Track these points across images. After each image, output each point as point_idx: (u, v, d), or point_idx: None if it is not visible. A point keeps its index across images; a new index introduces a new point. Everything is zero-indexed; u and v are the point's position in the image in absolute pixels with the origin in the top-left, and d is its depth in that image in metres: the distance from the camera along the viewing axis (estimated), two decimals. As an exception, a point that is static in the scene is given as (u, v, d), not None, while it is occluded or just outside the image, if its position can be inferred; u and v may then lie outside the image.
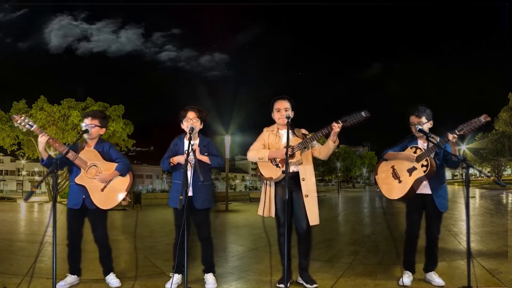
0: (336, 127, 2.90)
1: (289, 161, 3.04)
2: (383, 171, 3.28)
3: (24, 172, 56.24)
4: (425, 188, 3.10)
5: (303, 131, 3.20)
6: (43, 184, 31.48)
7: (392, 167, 3.21)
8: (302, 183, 3.08)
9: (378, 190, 3.31)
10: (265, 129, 3.27)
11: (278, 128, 3.21)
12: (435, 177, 3.06)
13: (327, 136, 3.01)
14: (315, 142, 3.12)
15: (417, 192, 3.09)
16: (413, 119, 3.12)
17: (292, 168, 3.09)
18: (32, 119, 21.19)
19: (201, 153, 3.13)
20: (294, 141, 3.08)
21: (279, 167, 3.05)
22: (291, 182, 3.08)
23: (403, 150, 3.17)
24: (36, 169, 52.66)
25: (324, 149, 3.13)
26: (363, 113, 2.87)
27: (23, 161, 42.57)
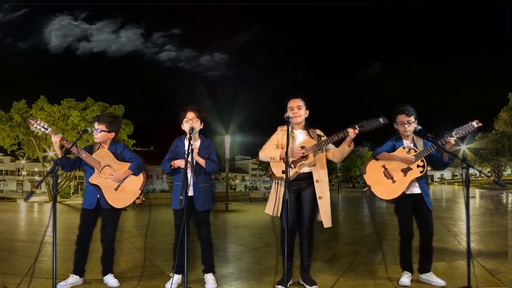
0: (352, 133, 2.89)
1: (302, 162, 3.05)
2: (374, 171, 3.21)
3: (24, 172, 56.24)
4: (414, 188, 3.09)
5: (318, 132, 3.17)
6: (43, 184, 31.51)
7: (383, 166, 3.16)
8: (316, 185, 3.06)
9: (365, 189, 3.27)
10: (279, 128, 3.24)
11: (292, 128, 3.18)
12: (424, 177, 3.07)
13: (342, 140, 2.99)
14: (330, 144, 3.10)
15: (407, 192, 3.07)
16: (402, 117, 3.10)
17: (305, 169, 3.08)
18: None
19: (202, 154, 3.13)
20: (308, 142, 3.07)
21: (292, 167, 3.03)
22: (302, 182, 3.08)
23: (392, 150, 3.15)
24: (36, 169, 52.62)
25: (338, 153, 3.10)
26: (381, 120, 2.85)
27: (23, 161, 42.57)
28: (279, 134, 3.20)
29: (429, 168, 3.16)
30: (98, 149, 3.20)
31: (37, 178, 53.83)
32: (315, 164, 3.07)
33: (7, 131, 21.73)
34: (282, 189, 3.10)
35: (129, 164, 3.18)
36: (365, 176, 3.25)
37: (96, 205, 3.11)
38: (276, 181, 3.16)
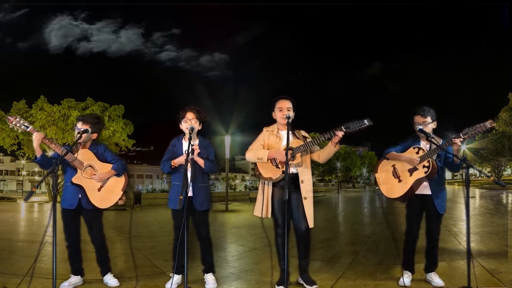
0: (340, 134, 2.90)
1: (289, 163, 3.04)
2: (383, 170, 3.27)
3: (24, 172, 56.25)
4: (425, 189, 3.09)
5: (303, 133, 3.20)
6: (43, 184, 31.48)
7: (393, 166, 3.21)
8: (301, 185, 3.07)
9: (377, 188, 3.31)
10: (264, 129, 3.25)
11: (278, 129, 3.19)
12: (435, 178, 3.06)
13: (328, 140, 3.00)
14: (315, 145, 3.11)
15: (417, 192, 3.08)
16: (418, 119, 3.11)
17: (292, 170, 3.09)
18: (32, 119, 21.40)
19: (200, 154, 3.13)
20: (295, 142, 3.07)
21: (279, 167, 3.04)
22: (290, 183, 3.07)
23: (406, 150, 3.16)
24: (36, 169, 52.68)
25: (324, 153, 3.11)
26: (365, 121, 2.86)
27: (23, 161, 42.59)
28: (265, 135, 3.21)
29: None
30: (78, 149, 3.16)
31: (37, 178, 53.85)
32: (302, 165, 3.08)
33: (7, 131, 21.70)
34: (269, 190, 3.12)
35: (111, 165, 3.17)
36: (376, 175, 3.32)
37: (77, 205, 3.09)
38: (263, 181, 3.15)
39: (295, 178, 3.09)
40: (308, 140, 3.09)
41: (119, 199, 3.17)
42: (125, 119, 23.57)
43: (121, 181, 3.21)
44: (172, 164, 3.10)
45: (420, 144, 3.14)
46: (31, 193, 3.09)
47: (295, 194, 3.08)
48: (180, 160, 3.08)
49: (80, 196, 3.09)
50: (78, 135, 3.01)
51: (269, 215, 3.10)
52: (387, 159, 3.26)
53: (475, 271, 2.77)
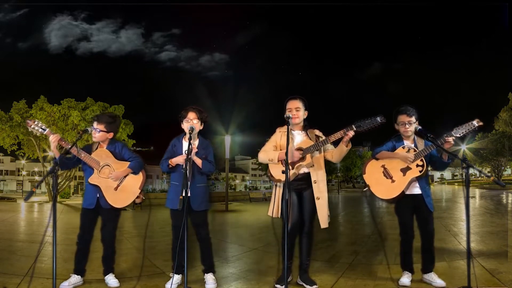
0: (350, 134, 2.89)
1: (299, 163, 3.04)
2: (373, 171, 3.21)
3: (24, 172, 56.23)
4: (415, 189, 3.08)
5: (317, 132, 3.17)
6: (43, 184, 31.50)
7: (383, 166, 3.16)
8: (314, 185, 3.06)
9: (365, 189, 3.27)
10: (277, 130, 3.24)
11: (290, 129, 3.15)
12: (424, 177, 3.07)
13: (339, 140, 2.98)
14: (328, 145, 3.09)
15: (407, 192, 3.07)
16: (403, 118, 3.10)
17: (304, 169, 3.08)
18: (32, 119, 21.43)
19: (200, 155, 3.13)
20: (306, 143, 3.07)
21: (290, 168, 3.03)
22: (302, 183, 3.08)
23: (392, 151, 3.14)
24: (36, 169, 52.64)
25: (336, 153, 3.09)
26: (378, 119, 2.82)
27: (23, 161, 42.57)
28: (278, 136, 3.20)
29: (429, 169, 3.16)
30: (97, 148, 3.19)
31: (37, 178, 53.82)
32: (313, 165, 3.07)
33: (7, 131, 21.74)
34: (281, 191, 3.11)
35: (128, 163, 3.18)
36: (364, 176, 3.24)
37: (96, 204, 3.11)
38: (276, 183, 3.16)
39: (307, 178, 3.08)
40: (321, 139, 3.07)
41: (137, 197, 3.18)
42: (125, 119, 23.61)
43: (138, 179, 3.21)
44: (170, 163, 3.10)
45: (404, 144, 3.13)
46: (31, 193, 3.10)
47: (306, 194, 3.08)
48: (177, 159, 3.08)
49: (98, 195, 3.10)
50: (78, 135, 3.03)
51: (279, 215, 3.10)
52: (377, 159, 3.20)
53: (475, 271, 2.77)
